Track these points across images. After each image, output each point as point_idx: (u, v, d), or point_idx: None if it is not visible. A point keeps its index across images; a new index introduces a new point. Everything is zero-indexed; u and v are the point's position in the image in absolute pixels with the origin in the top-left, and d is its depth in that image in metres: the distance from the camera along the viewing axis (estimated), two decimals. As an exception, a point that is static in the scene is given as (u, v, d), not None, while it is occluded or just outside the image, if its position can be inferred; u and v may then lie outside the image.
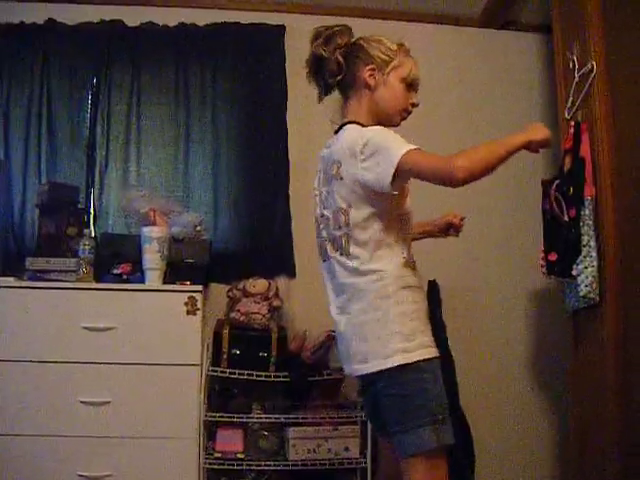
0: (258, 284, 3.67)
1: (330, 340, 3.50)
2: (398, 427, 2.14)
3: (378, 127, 2.27)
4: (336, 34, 2.39)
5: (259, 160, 4.07)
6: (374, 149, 2.15)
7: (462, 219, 2.80)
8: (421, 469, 2.11)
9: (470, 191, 3.91)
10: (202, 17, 4.15)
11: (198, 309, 3.29)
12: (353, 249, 2.25)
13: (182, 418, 3.27)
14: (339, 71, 2.39)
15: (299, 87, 3.98)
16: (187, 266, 3.43)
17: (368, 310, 2.21)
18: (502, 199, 4.19)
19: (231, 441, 3.50)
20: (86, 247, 3.43)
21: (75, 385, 3.26)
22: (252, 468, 3.48)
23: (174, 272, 3.43)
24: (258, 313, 3.59)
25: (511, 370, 4.12)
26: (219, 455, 3.45)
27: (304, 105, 3.96)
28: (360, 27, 2.49)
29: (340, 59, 2.38)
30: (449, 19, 4.41)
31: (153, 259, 3.36)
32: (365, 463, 3.49)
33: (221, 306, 3.64)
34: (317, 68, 2.43)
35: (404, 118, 2.43)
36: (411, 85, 2.41)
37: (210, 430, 3.51)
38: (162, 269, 3.40)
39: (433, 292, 3.94)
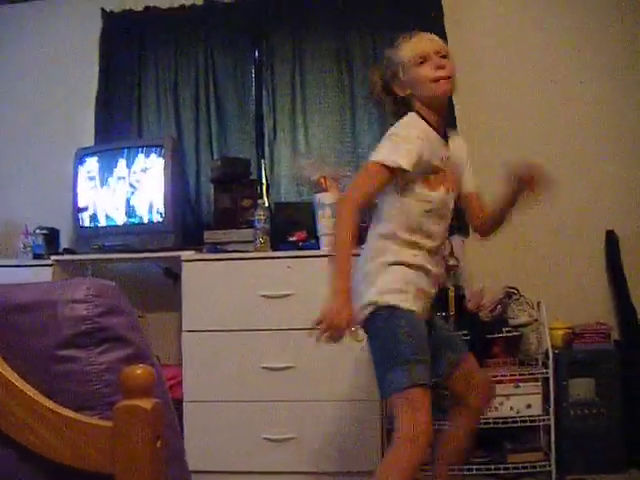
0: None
1: (508, 297, 3.47)
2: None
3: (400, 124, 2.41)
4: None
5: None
6: None
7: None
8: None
9: None
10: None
11: (377, 271, 3.30)
12: None
13: (363, 379, 3.31)
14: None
15: (460, 42, 3.91)
16: (361, 229, 3.45)
17: None
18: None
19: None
20: (261, 217, 3.53)
21: (258, 352, 3.38)
22: (435, 428, 3.49)
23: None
24: (435, 272, 3.58)
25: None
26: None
27: (468, 59, 3.89)
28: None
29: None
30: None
31: (327, 225, 3.39)
32: (548, 420, 3.43)
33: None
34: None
35: (445, 84, 2.44)
36: (424, 60, 2.44)
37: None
38: (337, 235, 3.42)
39: (611, 243, 3.83)
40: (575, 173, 3.86)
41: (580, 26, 4.00)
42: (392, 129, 2.37)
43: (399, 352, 2.28)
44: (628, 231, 3.80)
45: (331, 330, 2.17)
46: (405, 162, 2.25)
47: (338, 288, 2.21)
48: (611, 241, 3.82)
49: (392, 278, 2.36)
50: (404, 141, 2.30)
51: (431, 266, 2.42)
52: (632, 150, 3.88)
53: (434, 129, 2.41)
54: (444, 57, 2.44)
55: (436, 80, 2.42)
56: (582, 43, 3.98)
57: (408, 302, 2.33)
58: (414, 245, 2.38)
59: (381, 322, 2.33)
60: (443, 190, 2.42)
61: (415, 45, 2.46)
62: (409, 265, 2.37)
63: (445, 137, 2.47)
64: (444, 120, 2.51)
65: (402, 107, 2.51)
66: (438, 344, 2.46)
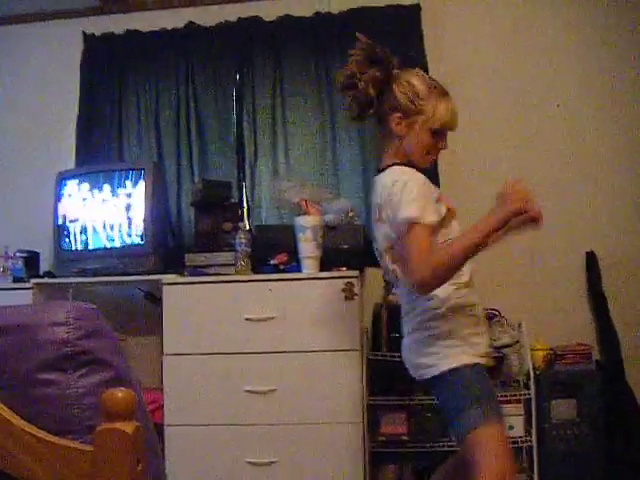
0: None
1: (489, 318, 3.48)
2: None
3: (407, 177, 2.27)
4: (378, 61, 2.39)
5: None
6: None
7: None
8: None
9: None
10: (336, 5, 4.14)
11: (356, 294, 3.29)
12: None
13: (346, 403, 3.30)
14: (369, 105, 2.38)
15: (439, 65, 3.94)
16: (342, 252, 3.45)
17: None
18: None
19: (395, 423, 3.52)
20: (242, 240, 3.51)
21: (240, 375, 3.35)
22: (417, 450, 3.49)
23: (330, 259, 3.44)
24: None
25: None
26: (384, 439, 3.49)
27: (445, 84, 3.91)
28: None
29: (371, 93, 2.36)
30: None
31: (308, 248, 3.39)
32: (530, 441, 3.44)
33: (378, 290, 3.65)
34: (350, 88, 2.40)
35: (432, 162, 2.46)
36: (441, 131, 2.37)
37: (374, 414, 3.54)
38: (318, 257, 3.41)
39: (591, 264, 3.84)
40: (554, 195, 3.88)
41: (556, 50, 4.05)
42: (401, 185, 2.24)
43: (473, 392, 2.26)
44: (607, 252, 3.83)
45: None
46: (435, 217, 2.23)
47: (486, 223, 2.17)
48: (591, 262, 3.84)
49: (453, 335, 2.33)
50: (421, 196, 2.23)
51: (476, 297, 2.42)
52: (610, 171, 3.91)
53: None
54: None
55: (432, 156, 2.42)
56: (559, 66, 4.02)
57: (474, 356, 2.33)
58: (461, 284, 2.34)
59: (448, 383, 2.31)
60: (455, 221, 2.40)
61: (451, 115, 2.37)
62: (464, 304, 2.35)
63: None
64: None
65: (377, 115, 2.43)
66: None
